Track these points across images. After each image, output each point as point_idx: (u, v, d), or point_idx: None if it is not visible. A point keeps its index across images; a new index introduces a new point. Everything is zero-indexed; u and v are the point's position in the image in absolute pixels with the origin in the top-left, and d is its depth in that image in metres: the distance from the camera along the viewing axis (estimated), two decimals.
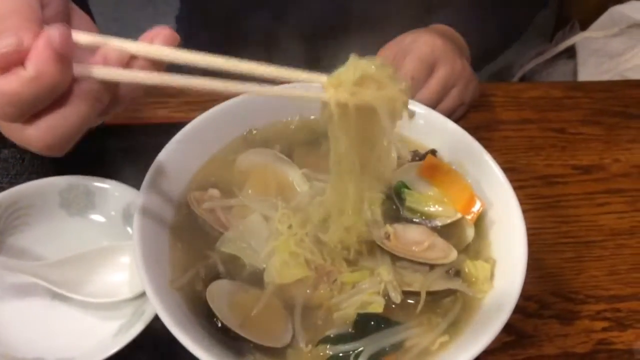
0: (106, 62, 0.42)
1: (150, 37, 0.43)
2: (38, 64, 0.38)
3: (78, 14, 0.49)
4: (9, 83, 0.38)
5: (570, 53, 1.26)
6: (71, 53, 0.39)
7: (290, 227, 0.54)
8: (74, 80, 0.41)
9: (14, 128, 0.42)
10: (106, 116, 0.46)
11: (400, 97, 0.44)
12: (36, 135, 0.41)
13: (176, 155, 0.57)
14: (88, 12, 0.78)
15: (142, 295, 0.57)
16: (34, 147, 0.42)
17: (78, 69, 0.41)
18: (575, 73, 1.20)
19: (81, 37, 0.42)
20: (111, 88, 0.43)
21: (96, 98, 0.42)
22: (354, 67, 0.43)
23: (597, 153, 0.80)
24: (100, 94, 0.42)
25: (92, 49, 0.43)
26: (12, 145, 0.70)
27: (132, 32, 0.44)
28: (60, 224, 0.63)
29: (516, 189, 0.59)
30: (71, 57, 0.39)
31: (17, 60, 0.38)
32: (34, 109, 0.40)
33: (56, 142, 0.41)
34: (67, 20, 0.47)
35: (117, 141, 0.71)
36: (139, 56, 0.43)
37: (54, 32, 0.38)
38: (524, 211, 0.56)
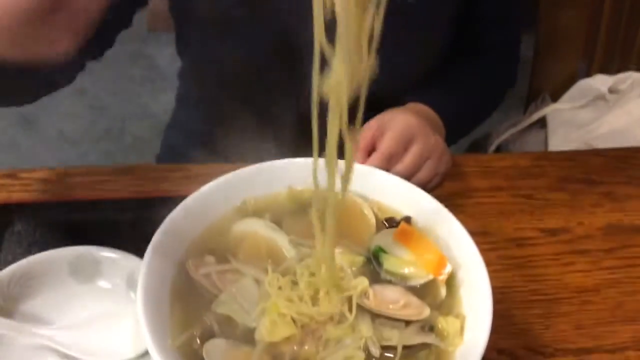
0: None
1: None
2: None
3: None
4: None
5: (542, 123, 1.35)
6: None
7: (279, 289, 0.60)
8: None
9: None
10: None
11: None
12: None
13: (176, 226, 0.64)
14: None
15: (144, 355, 0.62)
16: None
17: None
18: (546, 142, 1.29)
19: None
20: None
21: None
22: None
23: (562, 217, 0.86)
24: None
25: None
26: (26, 220, 0.77)
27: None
28: (69, 291, 0.68)
29: (488, 250, 0.65)
30: None
31: None
32: None
33: None
34: None
35: (122, 213, 0.79)
36: None
37: None
38: (496, 271, 0.62)
